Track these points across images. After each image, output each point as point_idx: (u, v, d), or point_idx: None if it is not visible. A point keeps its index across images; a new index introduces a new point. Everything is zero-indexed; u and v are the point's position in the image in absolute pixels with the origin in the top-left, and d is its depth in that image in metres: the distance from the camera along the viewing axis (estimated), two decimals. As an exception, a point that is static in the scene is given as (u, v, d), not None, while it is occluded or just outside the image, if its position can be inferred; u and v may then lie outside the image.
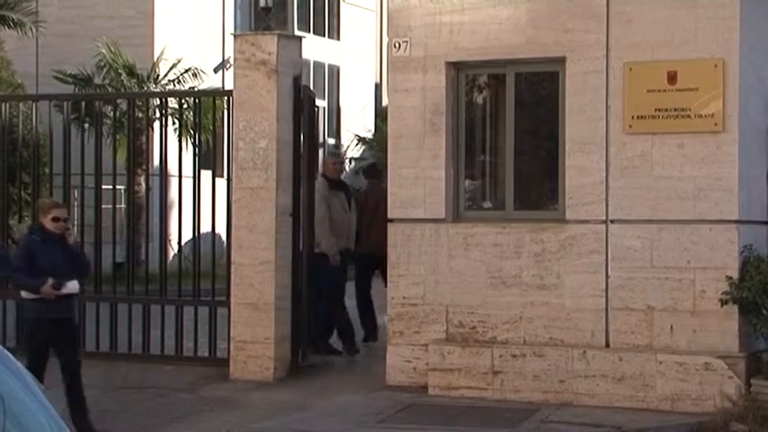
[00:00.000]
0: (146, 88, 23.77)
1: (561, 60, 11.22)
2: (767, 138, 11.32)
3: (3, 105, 14.06)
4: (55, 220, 9.88)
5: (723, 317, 10.58)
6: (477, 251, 11.40)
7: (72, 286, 9.86)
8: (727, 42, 10.66)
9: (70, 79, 23.77)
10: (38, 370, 9.63)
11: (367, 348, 13.88)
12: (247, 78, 12.33)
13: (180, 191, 13.32)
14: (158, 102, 16.39)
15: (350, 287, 14.17)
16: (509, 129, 11.62)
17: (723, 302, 10.49)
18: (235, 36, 13.14)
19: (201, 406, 11.11)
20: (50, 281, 9.67)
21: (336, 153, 15.65)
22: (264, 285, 12.19)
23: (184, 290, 13.19)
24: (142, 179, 19.78)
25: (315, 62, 30.18)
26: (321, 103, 30.02)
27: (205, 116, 15.14)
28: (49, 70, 23.92)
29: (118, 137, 14.23)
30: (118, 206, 14.10)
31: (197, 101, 14.65)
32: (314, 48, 28.33)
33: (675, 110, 10.78)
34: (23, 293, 10.01)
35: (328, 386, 11.91)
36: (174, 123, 17.29)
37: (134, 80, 24.12)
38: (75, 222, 15.79)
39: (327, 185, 13.66)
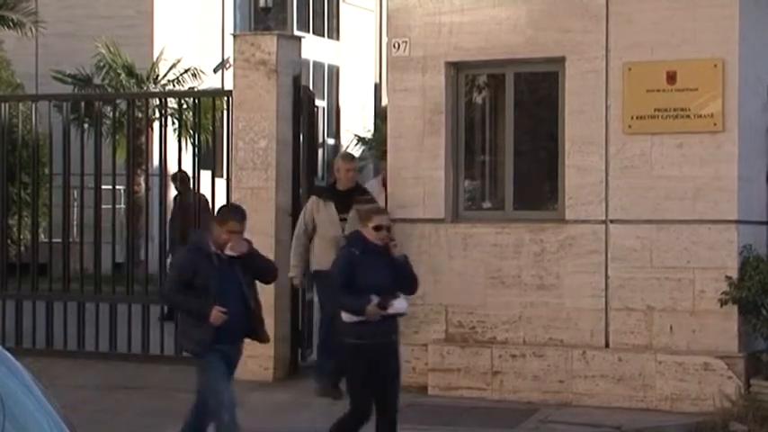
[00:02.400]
0: (145, 88, 23.76)
1: (561, 60, 11.22)
2: (766, 138, 11.32)
3: (2, 105, 14.05)
4: (377, 229, 8.60)
5: (722, 317, 10.58)
6: (476, 251, 11.40)
7: (400, 306, 8.64)
8: (726, 42, 10.66)
9: (69, 79, 23.76)
10: (363, 403, 8.68)
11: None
12: (247, 78, 12.33)
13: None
14: (158, 102, 16.38)
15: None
16: (508, 129, 11.63)
17: (722, 302, 10.50)
18: (234, 36, 13.15)
19: (201, 406, 11.10)
20: (375, 299, 8.46)
21: (349, 156, 12.81)
22: (264, 286, 12.15)
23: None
24: (142, 179, 19.77)
25: (314, 62, 30.18)
26: (320, 103, 30.04)
27: (204, 116, 15.13)
28: (49, 70, 23.92)
29: (117, 137, 14.21)
30: (117, 206, 14.09)
31: (196, 101, 14.64)
32: (313, 48, 28.33)
33: (675, 110, 10.78)
34: (343, 315, 8.71)
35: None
36: (173, 123, 17.29)
37: (133, 80, 24.11)
38: (75, 222, 15.81)
39: (316, 195, 11.82)
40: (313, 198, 11.68)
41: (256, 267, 8.85)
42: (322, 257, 11.11)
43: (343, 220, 11.29)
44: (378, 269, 8.53)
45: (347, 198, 11.38)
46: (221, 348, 8.55)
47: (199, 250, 8.64)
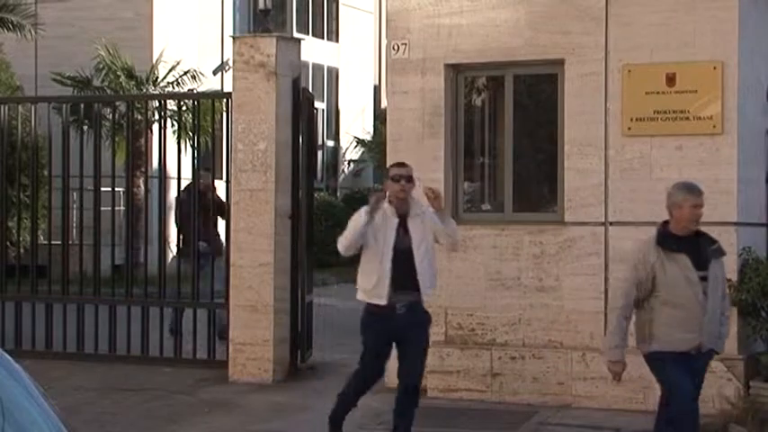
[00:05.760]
0: (144, 90, 23.77)
1: (560, 62, 11.23)
2: (766, 140, 11.33)
3: (2, 108, 14.05)
4: None
5: (722, 319, 10.56)
6: (476, 253, 11.40)
7: None
8: (725, 44, 10.66)
9: (69, 81, 23.76)
10: None
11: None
12: (246, 80, 12.34)
13: (179, 193, 13.32)
14: (157, 104, 16.39)
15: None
16: (508, 131, 11.63)
17: (722, 305, 10.48)
18: (234, 38, 13.14)
19: (200, 408, 11.11)
20: None
21: (697, 189, 8.51)
22: (263, 287, 12.19)
23: (183, 292, 13.20)
24: (141, 181, 19.79)
25: (314, 64, 30.22)
26: (320, 105, 30.06)
27: (204, 118, 15.15)
28: (48, 72, 23.93)
29: (117, 139, 14.22)
30: (117, 208, 14.09)
31: (196, 103, 14.64)
32: (313, 50, 28.35)
33: (674, 112, 10.79)
34: None
35: (327, 388, 11.88)
36: (172, 125, 17.30)
37: (133, 82, 24.11)
38: (74, 224, 15.81)
39: (659, 243, 8.04)
40: (653, 246, 8.05)
41: None
42: (671, 332, 8.17)
43: (703, 279, 7.97)
44: None
45: (696, 247, 8.05)
46: None
47: None
